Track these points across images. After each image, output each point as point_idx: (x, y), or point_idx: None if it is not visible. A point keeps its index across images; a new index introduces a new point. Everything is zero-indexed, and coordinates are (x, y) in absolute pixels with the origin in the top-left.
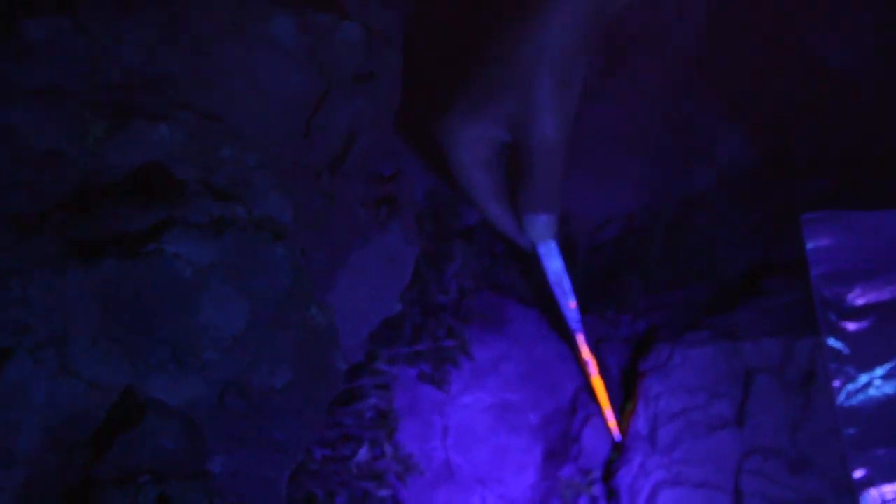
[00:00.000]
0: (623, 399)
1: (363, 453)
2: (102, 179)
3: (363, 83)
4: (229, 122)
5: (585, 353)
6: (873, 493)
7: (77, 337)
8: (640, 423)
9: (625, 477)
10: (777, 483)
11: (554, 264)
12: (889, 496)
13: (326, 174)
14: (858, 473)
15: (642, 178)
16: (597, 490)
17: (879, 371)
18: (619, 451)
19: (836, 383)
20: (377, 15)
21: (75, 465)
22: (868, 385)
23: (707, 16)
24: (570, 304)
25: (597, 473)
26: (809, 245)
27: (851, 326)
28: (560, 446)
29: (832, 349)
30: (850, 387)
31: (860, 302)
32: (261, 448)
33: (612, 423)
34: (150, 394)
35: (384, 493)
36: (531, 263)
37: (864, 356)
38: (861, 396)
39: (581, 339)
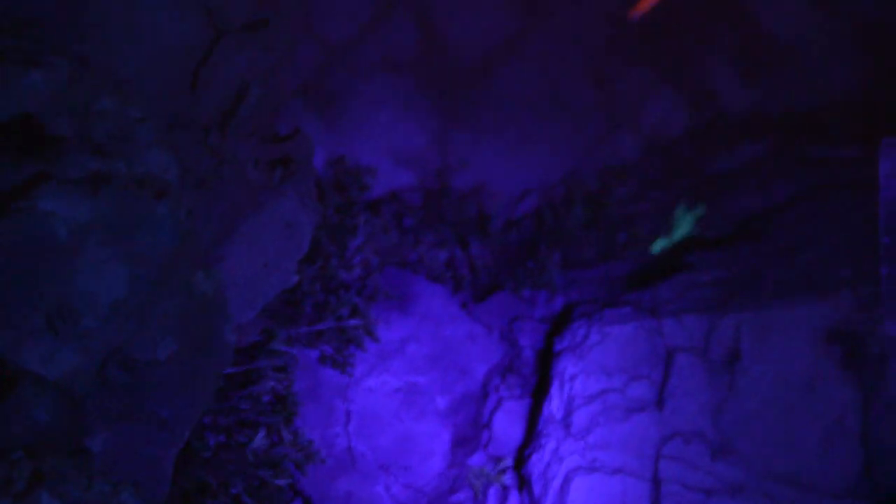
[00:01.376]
0: (535, 385)
1: (260, 440)
2: None
3: (256, 31)
4: (108, 71)
5: None
6: None
7: None
8: (554, 406)
9: (537, 464)
10: (698, 469)
11: None
12: None
13: (216, 131)
14: None
15: (563, 146)
16: (508, 479)
17: None
18: (531, 437)
19: None
20: None
21: None
22: None
23: None
24: None
25: (508, 461)
26: (883, 169)
27: None
28: (470, 432)
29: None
30: None
31: None
32: (145, 425)
33: None
34: (23, 364)
35: (282, 481)
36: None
37: None
38: None
39: None
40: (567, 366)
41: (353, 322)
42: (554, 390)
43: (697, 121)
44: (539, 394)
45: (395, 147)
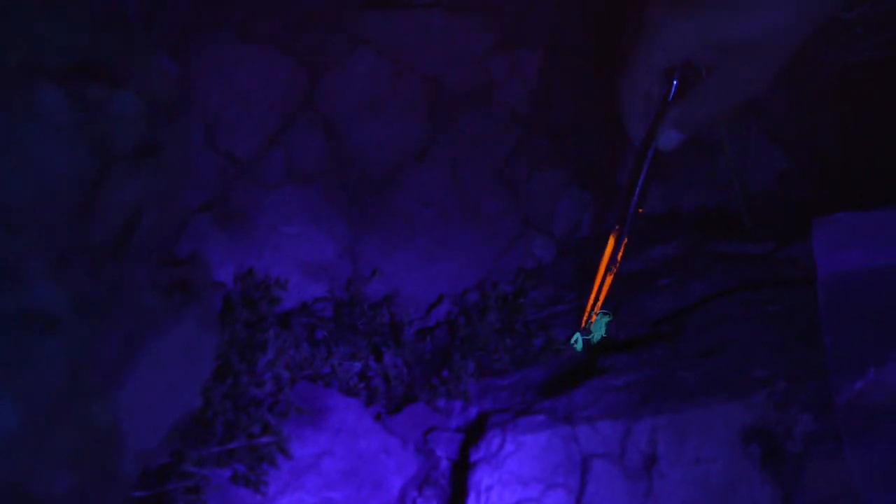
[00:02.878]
0: (451, 497)
1: None
2: None
3: (146, 157)
4: None
5: (617, 256)
6: None
7: None
8: None
9: None
10: None
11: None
12: None
13: (110, 258)
14: None
15: (476, 250)
16: None
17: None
18: None
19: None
20: (159, 82)
21: None
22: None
23: (538, 72)
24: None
25: None
26: (818, 248)
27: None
28: None
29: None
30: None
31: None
32: None
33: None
34: None
35: None
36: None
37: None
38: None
39: (621, 243)
40: (483, 476)
41: (265, 440)
42: (470, 502)
43: (610, 221)
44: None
45: (306, 258)
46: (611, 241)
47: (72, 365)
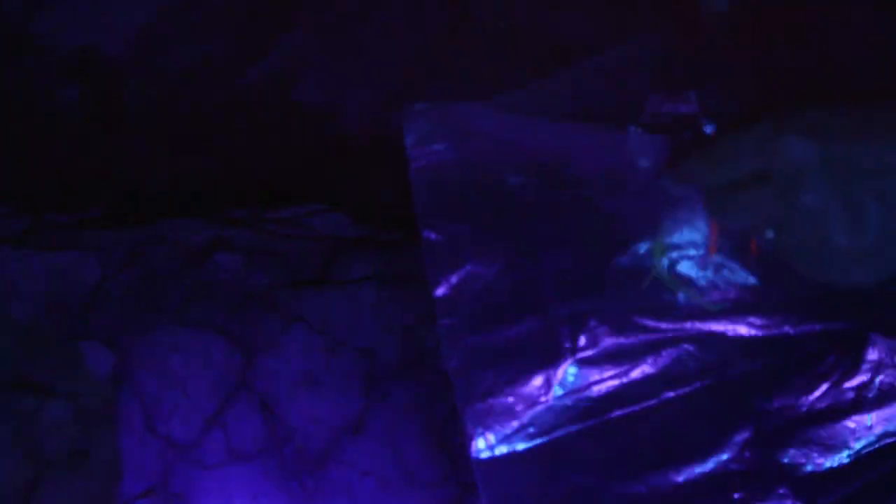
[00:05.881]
0: None
1: None
2: None
3: (78, 461)
4: None
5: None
6: None
7: None
8: None
9: None
10: None
11: None
12: None
13: None
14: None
15: None
16: None
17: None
18: None
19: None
20: (88, 388)
21: None
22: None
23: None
24: None
25: None
26: (409, 139)
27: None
28: None
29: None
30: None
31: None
32: None
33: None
34: None
35: None
36: None
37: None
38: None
39: None
40: None
41: None
42: None
43: None
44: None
45: None
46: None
47: None
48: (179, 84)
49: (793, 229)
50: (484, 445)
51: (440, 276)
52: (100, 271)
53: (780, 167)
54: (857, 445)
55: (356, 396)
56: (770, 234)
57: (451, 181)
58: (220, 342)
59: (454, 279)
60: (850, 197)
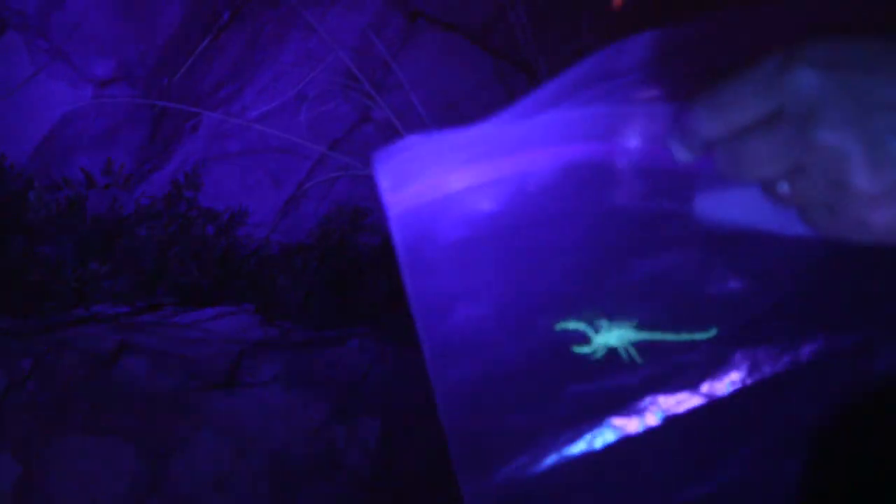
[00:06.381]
0: None
1: None
2: None
3: None
4: None
5: None
6: None
7: None
8: None
9: None
10: None
11: None
12: None
13: None
14: None
15: None
16: None
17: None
18: None
19: None
20: None
21: None
22: None
23: (379, 440)
24: None
25: None
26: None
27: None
28: None
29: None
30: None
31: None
32: None
33: None
34: None
35: None
36: None
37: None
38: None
39: None
40: None
41: None
42: None
43: None
44: None
45: None
46: None
47: None
48: (82, 190)
49: (808, 174)
50: None
51: (433, 325)
52: (5, 381)
53: (791, 104)
54: None
55: (266, 498)
56: (784, 187)
57: (432, 223)
58: (130, 447)
59: (446, 325)
60: (869, 133)
